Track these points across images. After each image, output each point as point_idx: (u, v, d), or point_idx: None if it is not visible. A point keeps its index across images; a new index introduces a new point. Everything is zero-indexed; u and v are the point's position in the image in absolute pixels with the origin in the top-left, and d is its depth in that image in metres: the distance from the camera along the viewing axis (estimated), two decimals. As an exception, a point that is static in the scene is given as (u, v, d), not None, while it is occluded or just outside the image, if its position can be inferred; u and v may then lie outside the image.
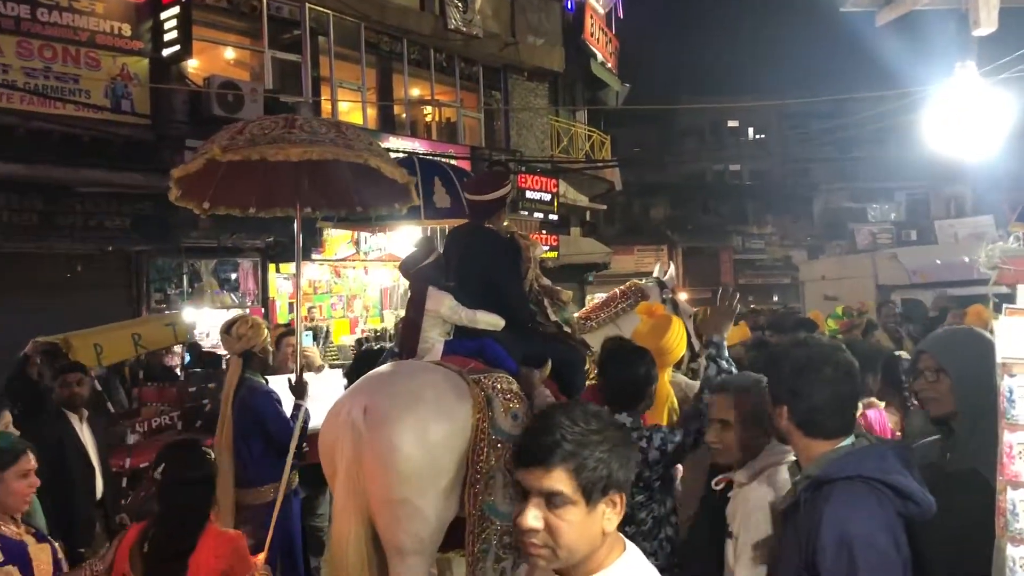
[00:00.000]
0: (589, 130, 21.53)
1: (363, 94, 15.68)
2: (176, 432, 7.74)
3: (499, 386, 4.02)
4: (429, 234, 6.86)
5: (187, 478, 3.13)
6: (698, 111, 37.46)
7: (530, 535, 1.59)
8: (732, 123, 44.02)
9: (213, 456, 3.30)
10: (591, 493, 1.59)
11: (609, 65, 22.39)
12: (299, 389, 4.93)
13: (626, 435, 1.70)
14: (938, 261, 12.83)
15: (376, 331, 14.82)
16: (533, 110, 19.32)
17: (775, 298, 34.90)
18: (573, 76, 21.02)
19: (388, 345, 10.22)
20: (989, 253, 2.07)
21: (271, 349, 5.40)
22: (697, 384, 3.88)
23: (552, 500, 1.58)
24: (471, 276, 4.38)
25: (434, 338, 4.32)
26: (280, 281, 14.43)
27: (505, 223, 4.60)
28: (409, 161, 9.17)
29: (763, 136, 43.53)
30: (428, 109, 18.15)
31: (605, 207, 24.64)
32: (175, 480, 3.12)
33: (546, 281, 4.53)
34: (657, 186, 37.58)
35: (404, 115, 17.09)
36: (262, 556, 3.43)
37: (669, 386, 3.67)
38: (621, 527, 1.72)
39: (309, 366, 5.56)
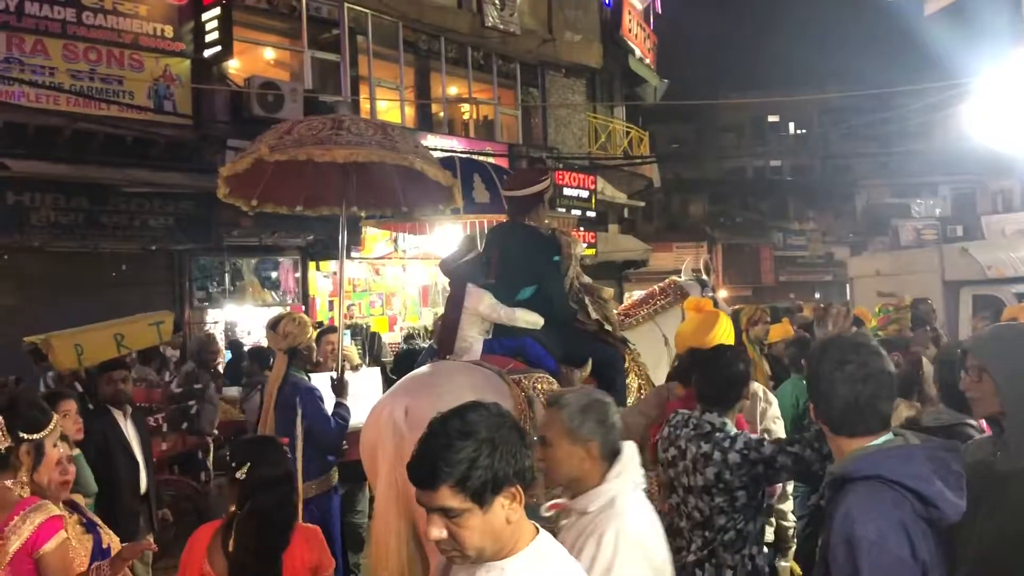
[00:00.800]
0: (627, 126, 21.38)
1: (401, 93, 15.73)
2: (161, 435, 7.77)
3: (539, 386, 4.00)
4: (470, 233, 6.85)
5: (275, 476, 3.09)
6: (738, 107, 37.05)
7: (438, 543, 1.73)
8: (773, 118, 43.51)
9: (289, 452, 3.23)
10: (482, 497, 1.68)
11: (647, 61, 22.22)
12: (340, 387, 4.95)
13: (509, 428, 1.75)
14: (1013, 254, 12.09)
15: (421, 328, 14.88)
16: (570, 107, 19.23)
17: (816, 295, 34.38)
18: (611, 72, 20.89)
19: (426, 344, 10.30)
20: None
21: (314, 346, 5.43)
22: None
23: (447, 514, 1.69)
24: (511, 273, 4.36)
25: (473, 336, 4.31)
26: (320, 279, 14.53)
27: (547, 220, 4.57)
28: (450, 161, 9.21)
29: (804, 131, 42.96)
30: (466, 107, 18.17)
31: (644, 204, 24.48)
32: (264, 479, 3.06)
33: (587, 279, 4.49)
34: (696, 182, 37.26)
35: (442, 113, 17.11)
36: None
37: None
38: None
39: (348, 364, 5.58)
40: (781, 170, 42.55)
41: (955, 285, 11.80)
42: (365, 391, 5.98)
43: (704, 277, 5.14)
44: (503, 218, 6.50)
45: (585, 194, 17.91)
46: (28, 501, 2.85)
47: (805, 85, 36.26)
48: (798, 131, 43.72)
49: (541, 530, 1.85)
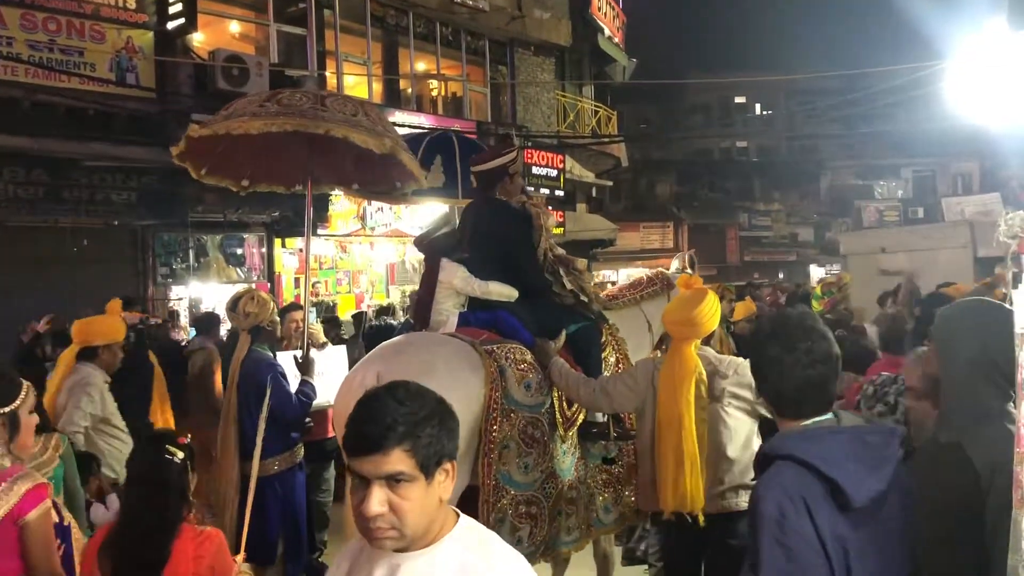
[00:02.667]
0: (596, 105, 21.37)
1: (369, 68, 15.55)
2: None
3: (512, 356, 4.01)
4: (446, 210, 6.84)
5: (151, 480, 2.82)
6: (706, 88, 37.23)
7: (376, 520, 1.64)
8: (739, 99, 43.82)
9: (181, 455, 2.90)
10: (428, 467, 1.66)
11: (616, 40, 22.19)
12: (305, 366, 4.90)
13: (448, 408, 1.75)
14: None
15: (381, 306, 14.80)
16: (539, 85, 19.17)
17: (780, 275, 34.76)
18: (580, 51, 20.83)
19: (394, 321, 10.25)
20: (1009, 222, 1.98)
21: (278, 320, 5.39)
22: (726, 357, 3.87)
23: (394, 481, 1.63)
24: (483, 247, 4.35)
25: (448, 310, 4.31)
26: (286, 256, 14.38)
27: (519, 195, 4.55)
28: (419, 139, 9.09)
29: (770, 112, 43.25)
30: (434, 83, 18.03)
31: (611, 183, 24.52)
32: (137, 484, 2.85)
33: (560, 250, 4.49)
34: (663, 163, 37.43)
35: (410, 89, 16.96)
36: (240, 557, 3.27)
37: (697, 359, 3.61)
38: None
39: (313, 343, 5.54)
40: (747, 151, 42.89)
41: (989, 262, 10.84)
42: (331, 369, 5.96)
43: (688, 270, 5.20)
44: (461, 201, 6.53)
45: (554, 173, 17.89)
46: (13, 470, 2.80)
47: (772, 67, 36.54)
48: (764, 112, 44.05)
49: (461, 514, 1.82)
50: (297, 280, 14.29)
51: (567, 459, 4.22)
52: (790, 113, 40.62)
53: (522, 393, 3.95)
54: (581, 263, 4.49)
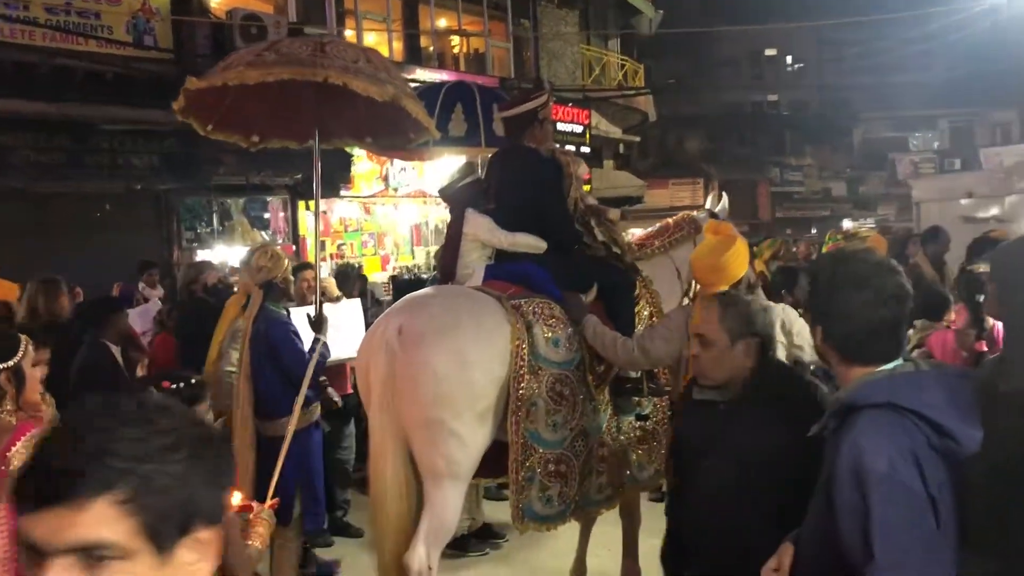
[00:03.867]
0: (622, 59, 20.92)
1: (389, 25, 15.28)
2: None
3: (541, 311, 3.83)
4: (472, 159, 6.62)
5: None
6: (735, 40, 36.37)
7: None
8: (770, 52, 42.75)
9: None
10: (162, 535, 0.97)
11: (642, -10, 21.64)
12: (318, 323, 4.73)
13: (210, 436, 1.09)
14: None
15: (408, 268, 14.66)
16: (563, 38, 18.74)
17: (813, 231, 34.21)
18: (604, 2, 20.35)
19: (425, 276, 10.08)
20: None
21: (292, 279, 5.26)
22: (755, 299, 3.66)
23: (92, 559, 0.94)
24: (511, 197, 4.15)
25: (473, 262, 4.13)
26: (310, 218, 14.25)
27: (549, 143, 4.34)
28: (435, 88, 8.75)
29: (802, 65, 42.31)
30: (455, 40, 17.70)
31: (639, 139, 24.07)
32: None
33: (592, 200, 4.29)
34: (692, 118, 36.67)
35: (431, 47, 16.67)
36: (268, 504, 3.18)
37: None
38: None
39: (326, 297, 5.41)
40: (778, 105, 41.96)
41: None
42: (346, 323, 5.83)
43: (716, 211, 4.96)
44: (485, 151, 6.26)
45: (579, 129, 17.52)
46: (28, 426, 2.75)
47: (802, 16, 35.58)
48: (796, 65, 43.07)
49: None
50: (323, 243, 14.18)
51: (598, 416, 4.04)
52: (821, 64, 39.73)
53: (550, 350, 3.77)
54: (613, 213, 4.28)
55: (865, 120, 40.21)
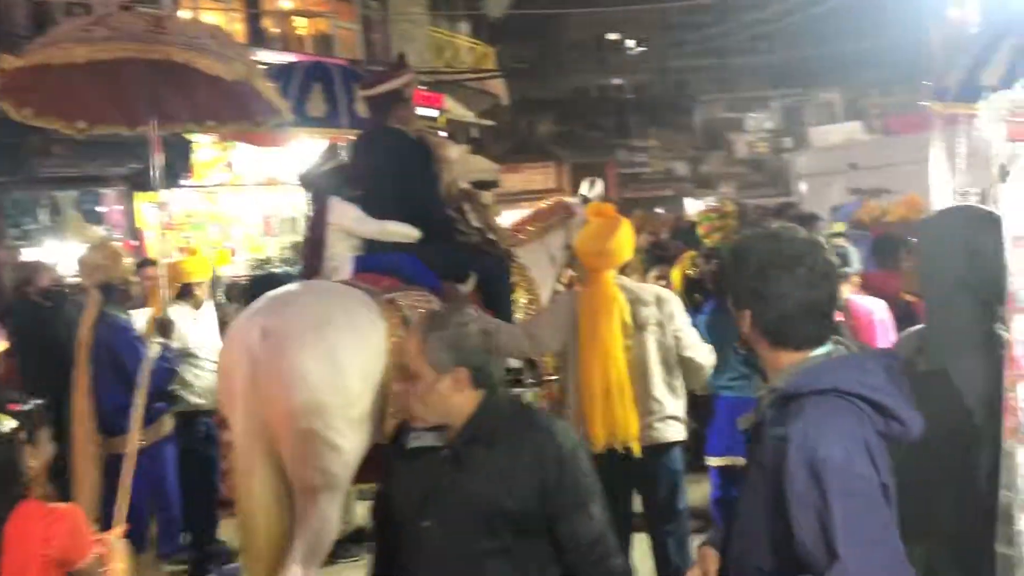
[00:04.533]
0: (472, 42, 20.79)
1: (229, 4, 14.51)
2: None
3: (417, 305, 3.58)
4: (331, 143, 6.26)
5: None
6: (580, 25, 37.03)
7: None
8: (613, 36, 43.88)
9: (11, 424, 2.51)
10: None
11: (490, -28, 21.53)
12: (163, 326, 4.25)
13: None
14: None
15: (260, 260, 14.00)
16: (412, 20, 18.38)
17: (658, 210, 35.36)
18: (454, -15, 20.14)
19: (278, 270, 9.55)
20: (991, 105, 1.71)
21: (132, 280, 4.81)
22: (646, 286, 3.58)
23: None
24: (378, 182, 3.86)
25: (341, 254, 3.82)
26: (150, 211, 13.35)
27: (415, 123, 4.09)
28: (289, 68, 8.17)
29: (644, 49, 43.69)
30: (301, 21, 17.03)
31: (493, 123, 24.03)
32: None
33: (465, 184, 4.07)
34: (542, 102, 37.15)
35: (274, 28, 15.97)
36: (117, 532, 2.85)
37: (616, 289, 3.34)
38: None
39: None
40: (623, 88, 43.15)
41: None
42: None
43: (589, 196, 4.88)
44: (348, 134, 5.96)
45: (433, 113, 17.22)
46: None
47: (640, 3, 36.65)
48: (638, 48, 44.40)
49: None
50: (165, 236, 13.30)
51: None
52: (663, 48, 41.06)
53: (430, 346, 3.55)
54: (487, 196, 4.08)
55: (704, 102, 41.88)
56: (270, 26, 15.89)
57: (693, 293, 5.48)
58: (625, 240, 3.39)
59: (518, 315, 4.05)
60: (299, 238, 10.09)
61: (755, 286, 1.84)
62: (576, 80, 41.26)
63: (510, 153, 32.47)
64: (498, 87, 21.46)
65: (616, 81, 43.54)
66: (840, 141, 21.16)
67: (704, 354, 3.76)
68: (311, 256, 3.90)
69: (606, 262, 3.33)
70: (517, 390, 3.99)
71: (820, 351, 1.83)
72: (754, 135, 39.53)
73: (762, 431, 1.83)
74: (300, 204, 9.74)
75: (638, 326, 3.49)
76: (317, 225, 3.88)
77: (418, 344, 2.23)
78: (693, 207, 33.49)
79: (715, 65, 40.63)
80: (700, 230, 6.53)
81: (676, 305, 3.61)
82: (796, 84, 37.91)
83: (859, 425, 1.69)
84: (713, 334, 4.09)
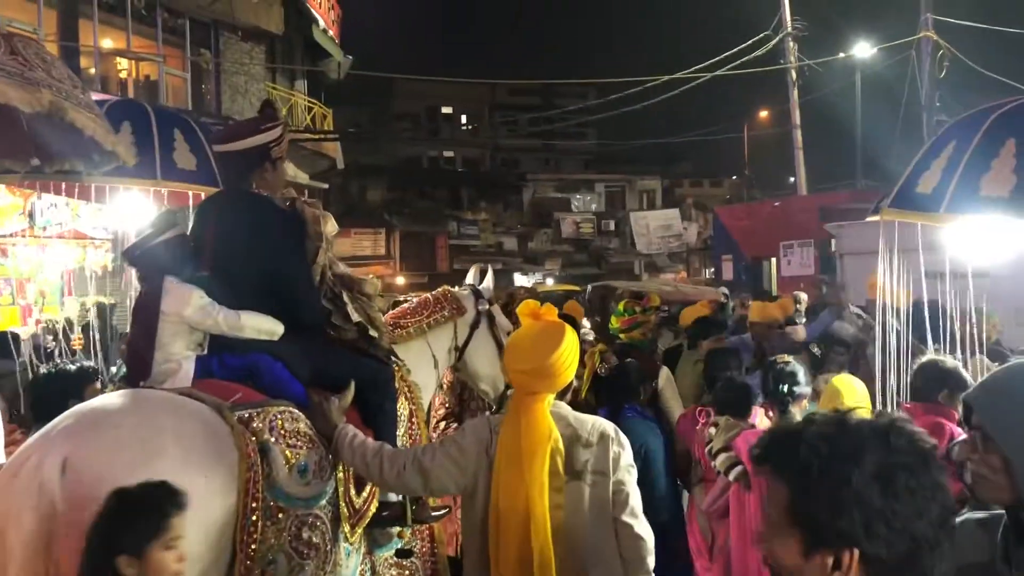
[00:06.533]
0: (310, 102, 19.98)
1: (40, 38, 12.97)
2: None
3: (280, 426, 2.75)
4: (169, 206, 5.24)
5: None
6: (414, 96, 37.15)
7: None
8: (446, 110, 44.51)
9: None
10: None
11: (331, 33, 20.90)
12: None
13: None
14: None
15: (54, 322, 12.25)
16: (247, 74, 17.40)
17: (488, 284, 35.38)
18: (292, 41, 19.35)
19: (70, 368, 8.06)
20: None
21: None
22: (588, 418, 2.79)
23: None
24: (233, 261, 3.01)
25: (178, 353, 2.89)
26: (-76, 262, 11.45)
27: (284, 188, 3.27)
28: (142, 110, 6.83)
29: (476, 125, 44.64)
30: (123, 63, 15.74)
31: (327, 186, 23.13)
32: None
33: (344, 268, 3.26)
34: (375, 168, 36.79)
35: (93, 69, 14.58)
36: None
37: (552, 421, 2.58)
38: None
39: None
40: (455, 161, 43.67)
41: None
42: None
43: (479, 286, 4.16)
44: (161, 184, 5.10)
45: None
46: None
47: (478, 78, 37.48)
48: (470, 124, 45.34)
49: None
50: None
51: (351, 561, 3.04)
52: (493, 127, 41.99)
53: (295, 481, 2.69)
54: (371, 284, 3.28)
55: (533, 180, 43.04)
56: (88, 65, 14.45)
57: (599, 393, 4.87)
58: (570, 356, 2.61)
59: (400, 431, 3.27)
60: (107, 299, 8.79)
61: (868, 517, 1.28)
62: (408, 149, 41.40)
63: (340, 217, 31.44)
64: (335, 150, 20.68)
65: (448, 153, 44.01)
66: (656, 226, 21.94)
67: (645, 529, 2.77)
68: (137, 355, 2.95)
69: (544, 384, 2.55)
70: (393, 528, 3.20)
71: None
72: (580, 216, 40.82)
73: None
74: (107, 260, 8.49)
75: (574, 473, 2.65)
76: (146, 314, 2.95)
77: None
78: (520, 281, 33.96)
79: (543, 146, 41.93)
80: (616, 323, 5.91)
81: (624, 447, 2.76)
82: (619, 171, 39.70)
83: None
84: None
